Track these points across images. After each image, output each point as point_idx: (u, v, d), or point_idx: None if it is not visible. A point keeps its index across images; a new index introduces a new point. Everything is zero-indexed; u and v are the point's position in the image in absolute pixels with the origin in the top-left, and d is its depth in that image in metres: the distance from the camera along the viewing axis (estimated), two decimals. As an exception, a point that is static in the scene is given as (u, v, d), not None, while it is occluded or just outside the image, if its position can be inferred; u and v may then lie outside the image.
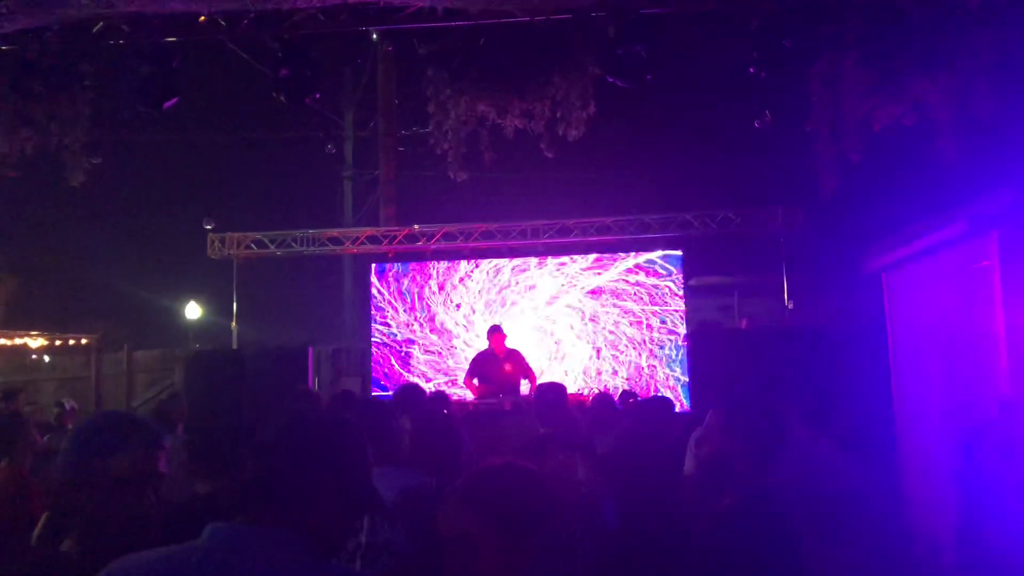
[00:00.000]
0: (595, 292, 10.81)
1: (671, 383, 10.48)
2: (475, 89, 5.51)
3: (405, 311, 11.06)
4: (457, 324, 11.00)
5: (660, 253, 10.74)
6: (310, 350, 9.16)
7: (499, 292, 10.97)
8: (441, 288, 11.06)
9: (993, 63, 4.82)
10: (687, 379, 10.18)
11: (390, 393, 10.49)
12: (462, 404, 8.51)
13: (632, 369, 10.61)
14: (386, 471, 3.08)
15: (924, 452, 6.64)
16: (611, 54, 5.40)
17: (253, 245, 11.46)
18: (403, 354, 11.03)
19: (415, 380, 10.75)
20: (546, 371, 10.41)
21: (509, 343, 9.02)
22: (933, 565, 5.90)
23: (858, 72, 5.04)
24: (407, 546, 2.58)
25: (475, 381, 8.84)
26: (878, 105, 5.12)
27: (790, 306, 11.35)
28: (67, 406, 7.99)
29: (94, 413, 2.85)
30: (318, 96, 5.74)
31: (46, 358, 21.52)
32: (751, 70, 5.37)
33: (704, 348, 9.23)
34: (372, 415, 3.47)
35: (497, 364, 8.77)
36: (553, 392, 4.67)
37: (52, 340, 24.32)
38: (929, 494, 6.34)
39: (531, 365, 9.10)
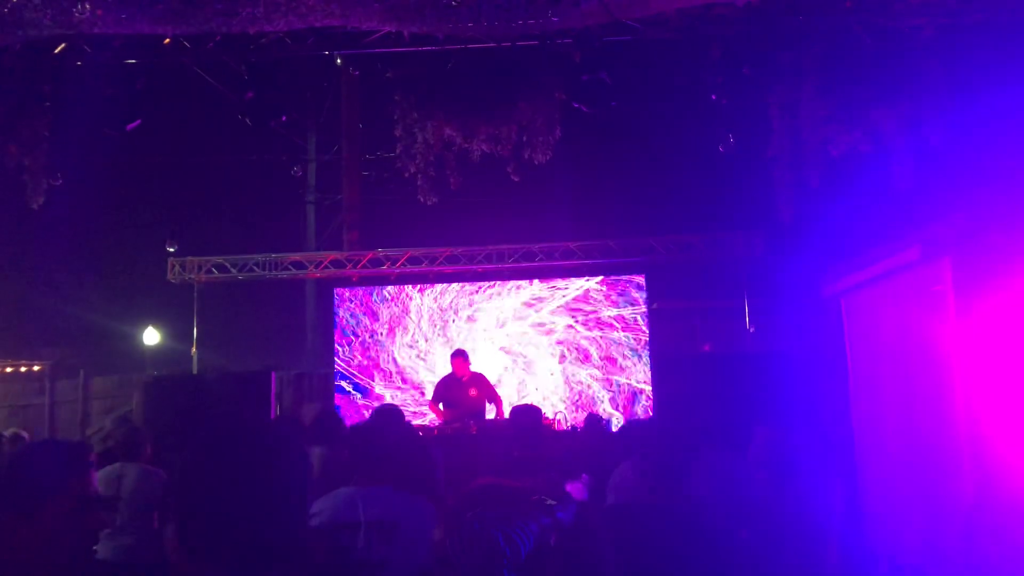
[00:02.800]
0: (559, 316, 10.85)
1: (634, 405, 10.53)
2: (442, 113, 5.54)
3: (368, 336, 10.99)
4: (420, 347, 10.96)
5: (623, 277, 10.84)
6: (272, 375, 9.03)
7: (464, 316, 10.96)
8: (405, 311, 11.02)
9: (944, 93, 4.98)
10: (647, 401, 10.23)
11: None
12: (427, 428, 8.46)
13: (597, 393, 10.64)
14: (373, 491, 3.09)
15: (881, 468, 6.76)
16: (576, 80, 5.48)
17: (214, 269, 11.31)
18: (367, 376, 10.94)
19: (379, 402, 10.66)
20: (512, 396, 10.39)
21: (474, 367, 9.00)
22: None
23: (816, 100, 5.17)
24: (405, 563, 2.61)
25: (440, 406, 8.79)
26: (835, 132, 5.25)
27: (752, 330, 11.49)
28: (18, 435, 7.76)
29: (21, 445, 2.75)
30: (284, 119, 5.73)
31: (-3, 385, 20.90)
32: (712, 97, 5.49)
33: (668, 371, 9.30)
34: (362, 436, 3.48)
35: (461, 388, 8.73)
36: (529, 415, 4.66)
37: (3, 366, 23.66)
38: (886, 507, 6.44)
39: (496, 389, 9.09)
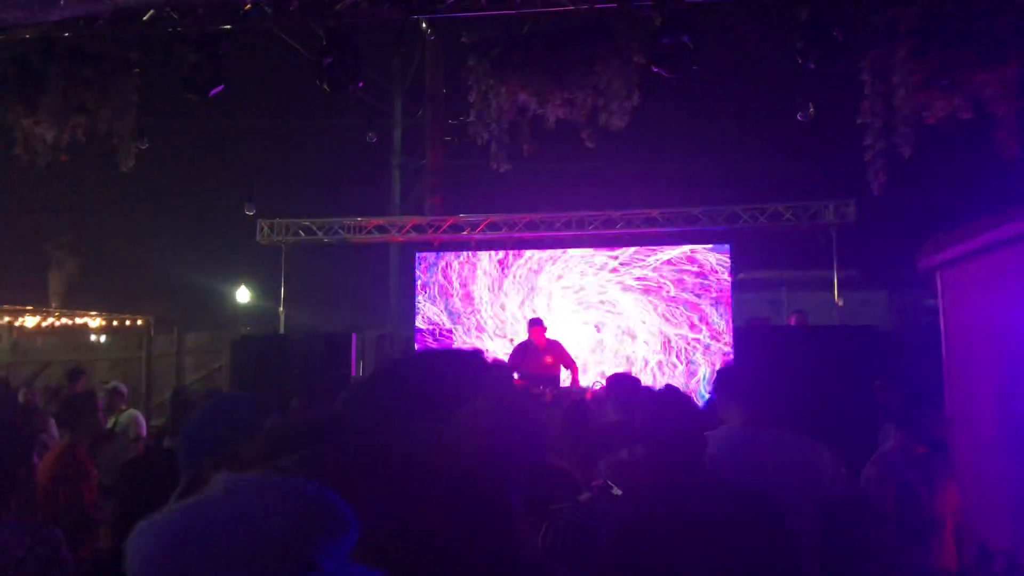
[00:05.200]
0: (640, 285, 10.71)
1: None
2: (516, 78, 5.46)
3: (449, 299, 11.09)
4: (499, 314, 11.00)
5: (708, 246, 10.59)
6: (353, 337, 9.23)
7: (543, 282, 10.93)
8: (488, 275, 11.06)
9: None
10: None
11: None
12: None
13: (675, 364, 10.49)
14: None
15: (977, 456, 6.43)
16: (656, 43, 5.29)
17: (301, 232, 11.58)
18: (447, 340, 11.06)
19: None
20: (587, 364, 10.35)
21: (550, 335, 9.00)
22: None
23: (912, 64, 4.86)
24: None
25: (515, 374, 8.83)
26: (933, 98, 4.93)
27: (840, 303, 11.08)
28: (117, 388, 8.14)
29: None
30: (361, 85, 5.74)
31: (103, 338, 22.12)
32: (799, 61, 5.22)
33: (751, 345, 9.06)
34: None
35: (537, 356, 8.76)
36: (628, 381, 4.65)
37: (109, 321, 25.00)
38: (981, 495, 6.12)
39: (571, 356, 9.07)
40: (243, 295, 19.58)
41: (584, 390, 8.52)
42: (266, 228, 11.59)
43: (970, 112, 5.01)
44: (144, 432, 8.28)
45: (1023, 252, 6.23)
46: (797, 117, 6.10)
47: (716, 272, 10.52)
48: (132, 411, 8.39)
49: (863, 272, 14.15)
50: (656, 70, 5.34)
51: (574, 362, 9.01)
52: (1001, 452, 6.54)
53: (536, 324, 8.88)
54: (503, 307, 11.00)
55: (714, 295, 10.46)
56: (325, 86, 5.63)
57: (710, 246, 10.58)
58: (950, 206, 9.09)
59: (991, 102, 4.86)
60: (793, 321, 10.38)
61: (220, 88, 5.80)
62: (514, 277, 11.02)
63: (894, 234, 11.55)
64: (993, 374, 6.83)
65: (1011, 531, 6.23)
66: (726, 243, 10.60)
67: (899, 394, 6.75)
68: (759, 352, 8.83)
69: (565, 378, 8.88)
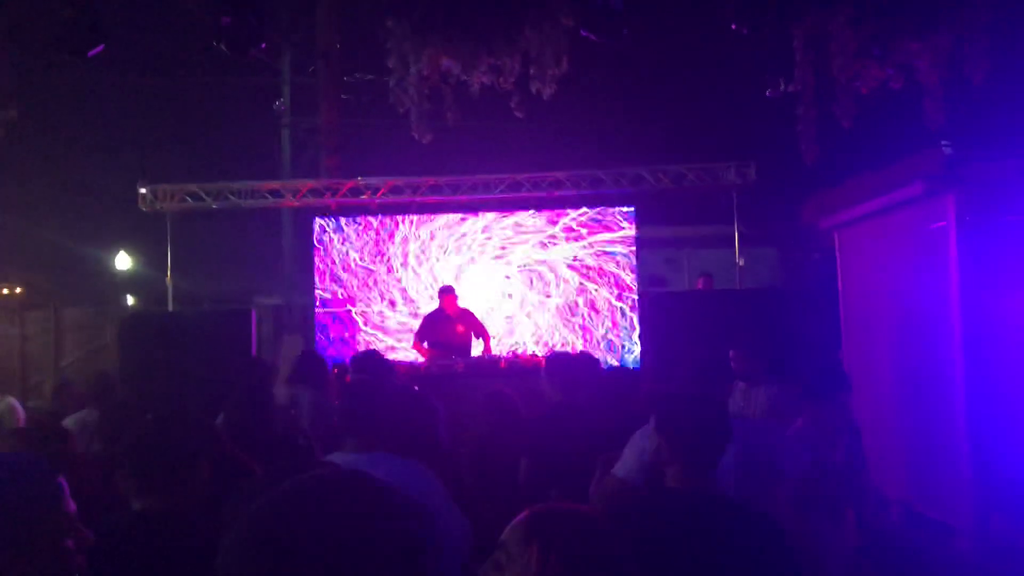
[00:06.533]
0: (546, 248, 10.58)
1: (622, 345, 10.36)
2: (439, 42, 5.10)
3: (350, 266, 10.65)
4: (404, 280, 10.67)
5: (613, 209, 10.56)
6: (252, 314, 8.70)
7: (449, 248, 10.65)
8: (389, 243, 10.68)
9: (988, 26, 4.63)
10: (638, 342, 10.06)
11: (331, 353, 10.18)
12: (413, 366, 8.25)
13: (583, 329, 10.46)
14: (374, 459, 2.81)
15: (874, 409, 6.61)
16: (586, 6, 5.03)
17: (188, 198, 10.81)
18: (347, 311, 10.65)
19: (361, 339, 10.45)
20: (497, 331, 10.18)
21: (460, 302, 8.77)
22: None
23: (847, 33, 4.80)
24: None
25: (424, 344, 8.57)
26: (866, 67, 4.90)
27: (741, 263, 11.27)
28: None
29: None
30: (264, 47, 5.24)
31: (-35, 311, 20.40)
32: (732, 26, 5.07)
33: (656, 311, 9.06)
34: (354, 392, 3.24)
35: (449, 325, 8.53)
36: (569, 360, 4.48)
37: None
38: (878, 446, 6.33)
39: (483, 324, 8.89)
40: (123, 262, 18.38)
41: (497, 359, 8.37)
42: (149, 195, 10.76)
43: (901, 82, 5.01)
44: (23, 422, 7.62)
45: (917, 214, 6.42)
46: (700, 79, 6.00)
47: (623, 234, 10.51)
48: (8, 399, 7.68)
49: (754, 229, 14.46)
50: (585, 34, 5.09)
51: (486, 331, 8.82)
52: (896, 405, 6.78)
53: (447, 292, 8.61)
54: (415, 274, 10.66)
55: (620, 257, 10.46)
56: (224, 47, 5.09)
57: (616, 209, 10.56)
58: (848, 170, 9.31)
59: (921, 72, 4.87)
60: (700, 284, 10.48)
61: (100, 49, 5.17)
62: (421, 242, 10.67)
63: (783, 191, 11.84)
64: (888, 330, 7.06)
65: (906, 480, 6.50)
66: (631, 205, 10.60)
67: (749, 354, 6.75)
68: (665, 318, 8.85)
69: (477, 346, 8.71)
